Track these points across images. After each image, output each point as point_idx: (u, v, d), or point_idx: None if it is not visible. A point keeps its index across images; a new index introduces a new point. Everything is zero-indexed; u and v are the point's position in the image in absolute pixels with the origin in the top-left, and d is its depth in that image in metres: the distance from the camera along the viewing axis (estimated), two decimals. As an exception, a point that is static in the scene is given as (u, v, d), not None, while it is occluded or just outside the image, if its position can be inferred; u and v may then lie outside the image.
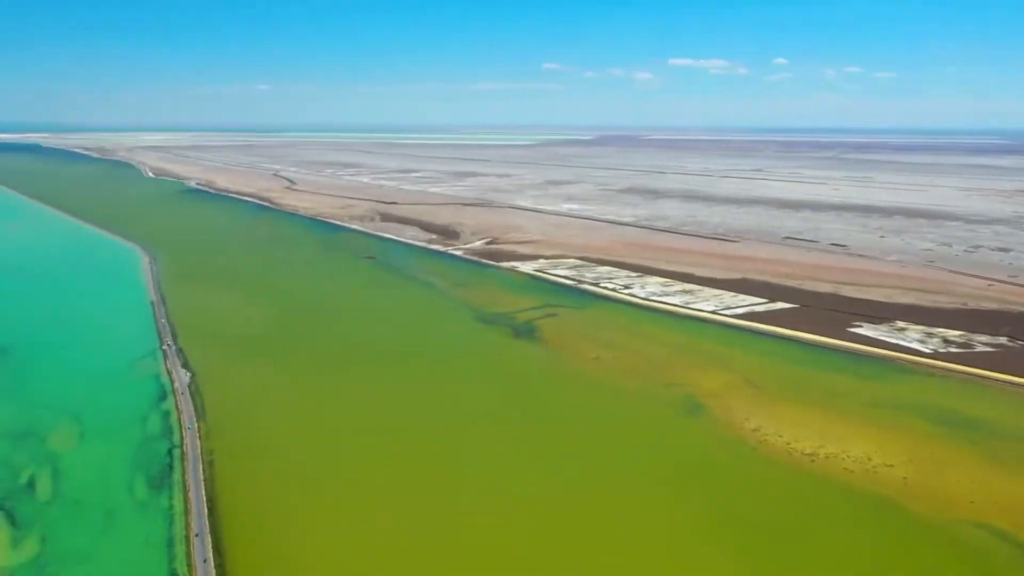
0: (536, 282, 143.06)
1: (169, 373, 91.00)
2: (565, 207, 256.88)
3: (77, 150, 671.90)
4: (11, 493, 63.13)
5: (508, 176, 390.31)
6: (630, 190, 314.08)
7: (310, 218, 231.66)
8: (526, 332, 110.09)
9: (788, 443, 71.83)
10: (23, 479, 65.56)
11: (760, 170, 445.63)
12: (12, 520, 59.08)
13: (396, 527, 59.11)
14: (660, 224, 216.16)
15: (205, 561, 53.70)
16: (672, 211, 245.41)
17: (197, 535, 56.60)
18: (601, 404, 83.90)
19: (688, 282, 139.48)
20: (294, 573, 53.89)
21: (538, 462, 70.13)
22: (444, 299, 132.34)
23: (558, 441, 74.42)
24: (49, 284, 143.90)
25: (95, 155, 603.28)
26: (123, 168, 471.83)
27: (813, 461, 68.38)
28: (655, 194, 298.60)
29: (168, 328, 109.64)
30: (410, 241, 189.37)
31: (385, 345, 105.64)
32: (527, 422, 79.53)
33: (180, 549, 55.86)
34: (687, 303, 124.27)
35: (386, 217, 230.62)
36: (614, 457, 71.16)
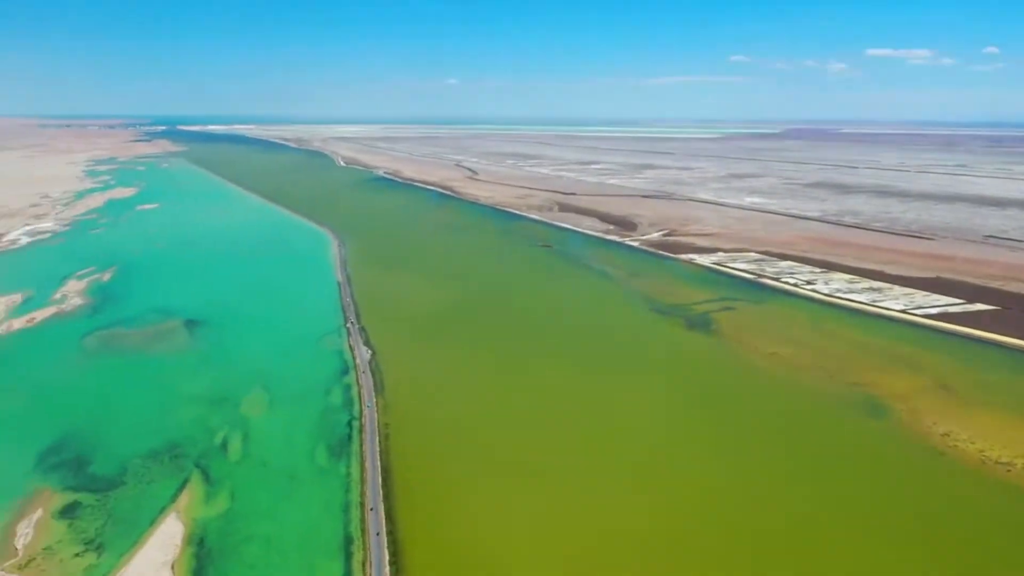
0: (714, 275, 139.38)
1: (351, 349, 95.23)
2: (748, 201, 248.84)
3: (277, 140, 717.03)
4: (206, 452, 67.94)
5: (689, 169, 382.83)
6: (817, 184, 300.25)
7: (490, 207, 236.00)
8: (701, 324, 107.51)
9: (981, 451, 66.26)
10: (217, 440, 70.36)
11: (963, 165, 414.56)
12: (206, 477, 63.54)
13: (561, 508, 59.14)
14: (848, 220, 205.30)
15: (378, 534, 55.51)
16: (862, 206, 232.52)
17: (372, 509, 58.46)
18: (776, 400, 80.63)
19: (876, 279, 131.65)
20: (461, 546, 54.82)
21: (707, 456, 68.20)
22: (618, 288, 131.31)
23: (729, 436, 72.09)
24: (247, 263, 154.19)
25: (293, 145, 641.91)
26: (318, 157, 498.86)
27: (1009, 471, 62.75)
28: (844, 189, 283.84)
29: (352, 307, 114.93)
30: (587, 231, 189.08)
31: (557, 330, 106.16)
32: (697, 414, 77.62)
33: (355, 515, 58.25)
34: (874, 301, 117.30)
35: (564, 207, 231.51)
36: (788, 456, 68.17)
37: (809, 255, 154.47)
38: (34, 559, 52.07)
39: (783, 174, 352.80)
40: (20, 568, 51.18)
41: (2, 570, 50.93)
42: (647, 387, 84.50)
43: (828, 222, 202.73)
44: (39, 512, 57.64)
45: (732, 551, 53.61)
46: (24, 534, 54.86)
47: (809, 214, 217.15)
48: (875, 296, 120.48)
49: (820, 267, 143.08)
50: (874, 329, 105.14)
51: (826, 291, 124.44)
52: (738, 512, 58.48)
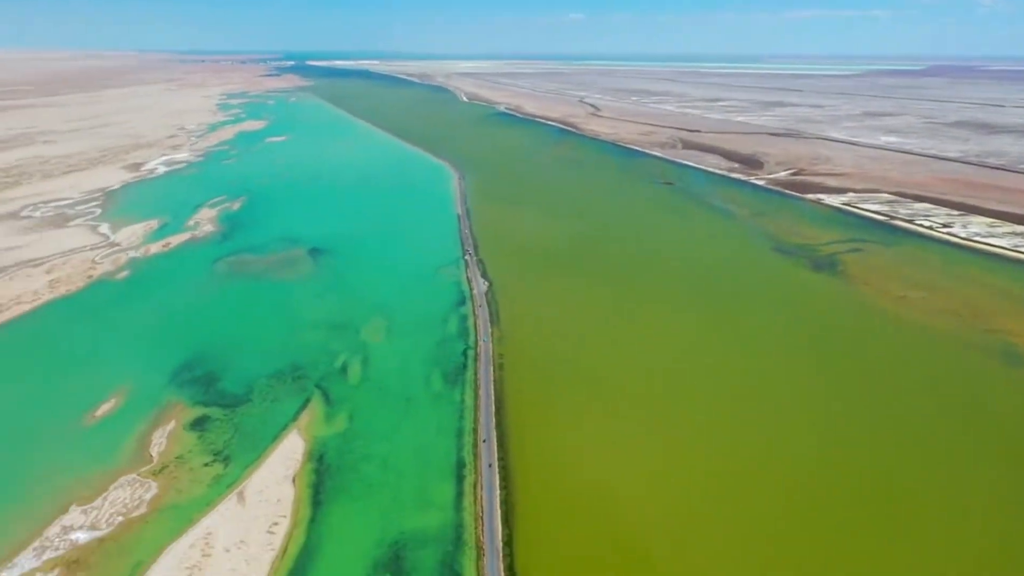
0: (842, 216, 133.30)
1: (469, 281, 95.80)
2: (883, 140, 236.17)
3: (401, 75, 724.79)
4: (327, 375, 69.84)
5: (821, 107, 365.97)
6: (959, 124, 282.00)
7: (611, 143, 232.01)
8: (827, 265, 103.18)
9: None
10: (338, 364, 72.18)
11: None
12: (327, 398, 65.40)
13: (671, 444, 58.33)
14: (992, 161, 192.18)
15: (491, 465, 55.91)
16: (1008, 147, 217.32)
17: (484, 441, 58.81)
18: (904, 345, 76.88)
19: (1021, 224, 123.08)
20: (569, 475, 54.78)
21: (828, 398, 65.73)
22: (741, 227, 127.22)
23: (851, 381, 69.23)
24: (370, 196, 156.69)
25: (416, 80, 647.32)
26: (440, 92, 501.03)
27: None
28: (989, 128, 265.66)
29: (471, 239, 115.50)
30: (710, 169, 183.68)
31: (675, 268, 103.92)
32: (818, 355, 74.81)
33: (468, 440, 58.97)
34: (1016, 246, 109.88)
35: (687, 144, 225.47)
36: (915, 402, 64.95)
37: (947, 197, 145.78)
38: (167, 467, 54.88)
39: (922, 112, 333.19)
40: (154, 474, 54.08)
41: (138, 475, 53.95)
42: (766, 327, 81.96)
43: (969, 163, 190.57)
44: (172, 424, 60.60)
45: (862, 500, 51.68)
46: (158, 443, 57.84)
47: (949, 154, 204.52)
48: (1018, 241, 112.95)
49: (958, 210, 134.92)
50: (1016, 275, 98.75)
51: (964, 235, 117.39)
52: (865, 456, 56.23)
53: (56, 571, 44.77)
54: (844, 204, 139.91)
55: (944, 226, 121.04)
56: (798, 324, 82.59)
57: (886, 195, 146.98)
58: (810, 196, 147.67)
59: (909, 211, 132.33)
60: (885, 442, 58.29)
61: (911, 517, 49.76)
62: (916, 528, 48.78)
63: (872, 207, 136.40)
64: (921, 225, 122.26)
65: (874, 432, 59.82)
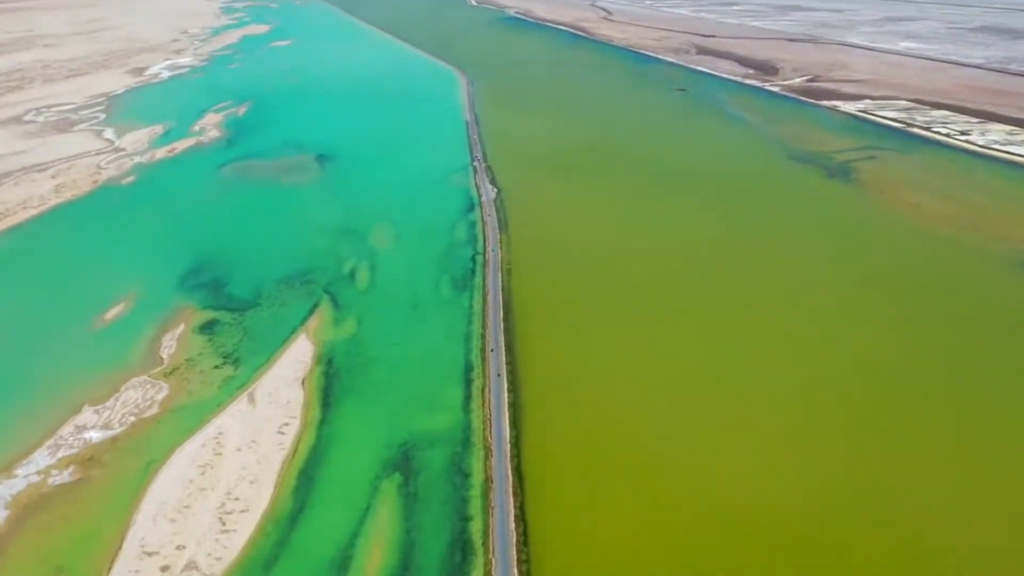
0: (858, 123, 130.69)
1: (477, 187, 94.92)
2: (903, 45, 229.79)
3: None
4: (335, 280, 69.83)
5: (840, 11, 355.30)
6: (983, 29, 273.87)
7: (623, 49, 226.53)
8: (841, 173, 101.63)
9: None
10: (345, 269, 72.11)
11: None
12: (335, 303, 65.50)
13: (681, 353, 58.40)
14: (1015, 67, 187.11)
15: (499, 375, 56.04)
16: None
17: (492, 351, 58.80)
18: (915, 252, 76.06)
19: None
20: (576, 379, 55.05)
21: (835, 307, 65.37)
22: (754, 134, 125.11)
23: (863, 287, 68.72)
24: (377, 101, 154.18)
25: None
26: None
27: None
28: (1014, 34, 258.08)
29: (479, 146, 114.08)
30: (724, 75, 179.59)
31: (687, 175, 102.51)
32: (828, 261, 74.19)
33: (476, 344, 59.14)
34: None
35: (702, 50, 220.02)
36: (927, 314, 64.56)
37: (967, 104, 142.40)
38: (177, 368, 55.31)
39: (945, 17, 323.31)
40: (165, 376, 54.54)
41: (149, 377, 54.40)
42: (778, 233, 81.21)
43: (991, 69, 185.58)
44: (181, 327, 60.89)
45: (868, 409, 51.83)
46: (168, 346, 58.21)
47: (971, 61, 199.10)
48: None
49: (977, 117, 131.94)
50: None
51: (982, 142, 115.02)
52: (869, 368, 56.20)
53: (71, 468, 45.50)
54: (860, 111, 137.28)
55: (962, 134, 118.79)
56: (810, 230, 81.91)
57: (904, 102, 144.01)
58: (826, 103, 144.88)
59: (927, 118, 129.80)
60: (889, 344, 58.16)
61: (906, 412, 49.92)
62: (916, 426, 48.98)
63: (889, 114, 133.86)
64: (939, 133, 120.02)
65: (880, 335, 59.65)
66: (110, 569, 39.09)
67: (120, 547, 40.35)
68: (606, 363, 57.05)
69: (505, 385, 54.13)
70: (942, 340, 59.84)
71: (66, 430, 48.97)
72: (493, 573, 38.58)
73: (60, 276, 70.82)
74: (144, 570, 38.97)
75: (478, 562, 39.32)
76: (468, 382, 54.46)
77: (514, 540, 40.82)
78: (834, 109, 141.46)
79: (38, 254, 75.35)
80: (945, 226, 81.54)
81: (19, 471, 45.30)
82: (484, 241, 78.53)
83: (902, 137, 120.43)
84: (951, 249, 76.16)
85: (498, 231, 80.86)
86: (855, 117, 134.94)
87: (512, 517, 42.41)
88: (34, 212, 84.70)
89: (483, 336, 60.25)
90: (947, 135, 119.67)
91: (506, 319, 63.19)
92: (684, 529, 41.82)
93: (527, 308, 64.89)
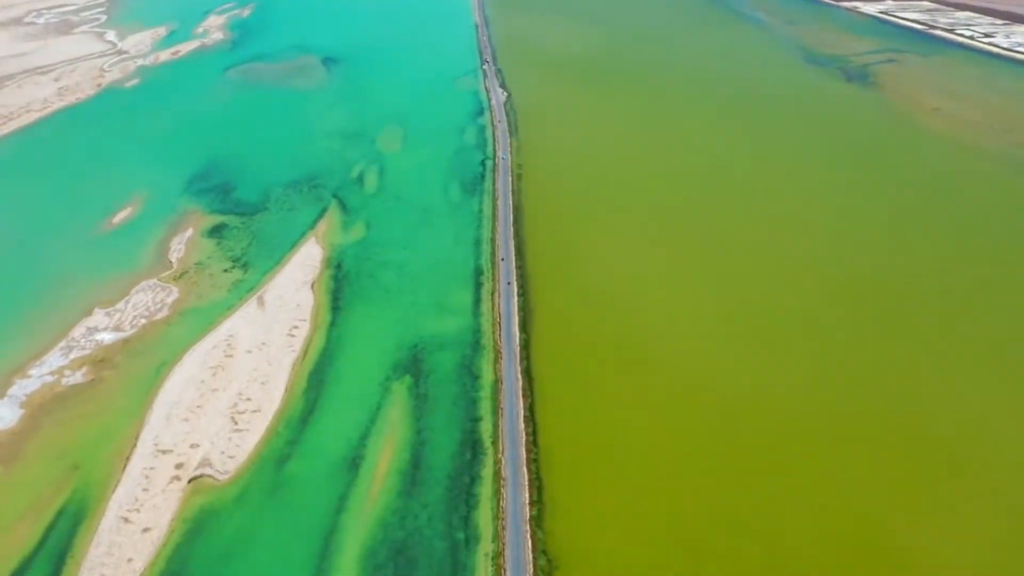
0: (879, 24, 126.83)
1: (487, 91, 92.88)
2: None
3: None
4: (344, 184, 68.99)
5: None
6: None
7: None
8: (859, 76, 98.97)
9: None
10: (354, 174, 71.13)
11: None
12: (343, 207, 64.87)
13: (684, 253, 57.95)
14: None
15: (509, 284, 55.51)
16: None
17: (503, 259, 58.07)
18: (932, 155, 74.58)
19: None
20: (584, 284, 54.75)
21: (850, 211, 64.45)
22: (771, 36, 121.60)
23: (879, 192, 67.62)
24: (385, 3, 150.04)
25: None
26: None
27: None
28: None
29: (489, 49, 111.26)
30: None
31: (701, 79, 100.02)
32: (846, 164, 72.83)
33: (485, 249, 58.69)
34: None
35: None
36: (937, 213, 63.62)
37: (992, 6, 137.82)
38: (187, 272, 55.18)
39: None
40: (175, 279, 54.44)
41: (158, 280, 54.32)
42: (794, 137, 79.70)
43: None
44: (190, 231, 60.51)
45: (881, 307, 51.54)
46: (177, 250, 57.97)
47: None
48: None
49: (1002, 19, 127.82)
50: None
51: (1006, 45, 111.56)
52: (881, 267, 55.69)
53: (84, 369, 45.83)
54: (881, 12, 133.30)
55: (986, 36, 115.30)
56: (826, 135, 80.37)
57: (926, 3, 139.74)
58: (846, 4, 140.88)
59: (950, 20, 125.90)
60: (908, 249, 57.51)
61: (904, 302, 49.63)
62: (909, 308, 48.73)
63: (911, 15, 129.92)
64: (961, 35, 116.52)
65: (902, 241, 58.96)
66: (125, 466, 39.67)
67: (135, 445, 40.87)
68: (615, 269, 56.61)
69: (516, 290, 53.89)
70: (959, 244, 59.11)
71: (78, 332, 49.16)
72: (503, 471, 39.01)
73: (66, 180, 70.13)
74: (159, 467, 39.54)
75: (488, 460, 39.73)
76: (478, 286, 54.21)
77: (523, 440, 41.15)
78: (854, 10, 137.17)
79: (43, 157, 74.51)
80: (967, 131, 79.61)
81: (33, 371, 45.66)
82: (494, 145, 77.18)
83: (924, 39, 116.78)
84: (972, 154, 74.54)
85: (508, 135, 79.43)
86: (876, 18, 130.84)
87: (521, 418, 42.68)
88: (38, 115, 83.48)
89: (493, 241, 59.70)
90: (970, 37, 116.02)
91: (516, 223, 62.51)
92: (686, 420, 42.30)
93: (537, 213, 64.09)
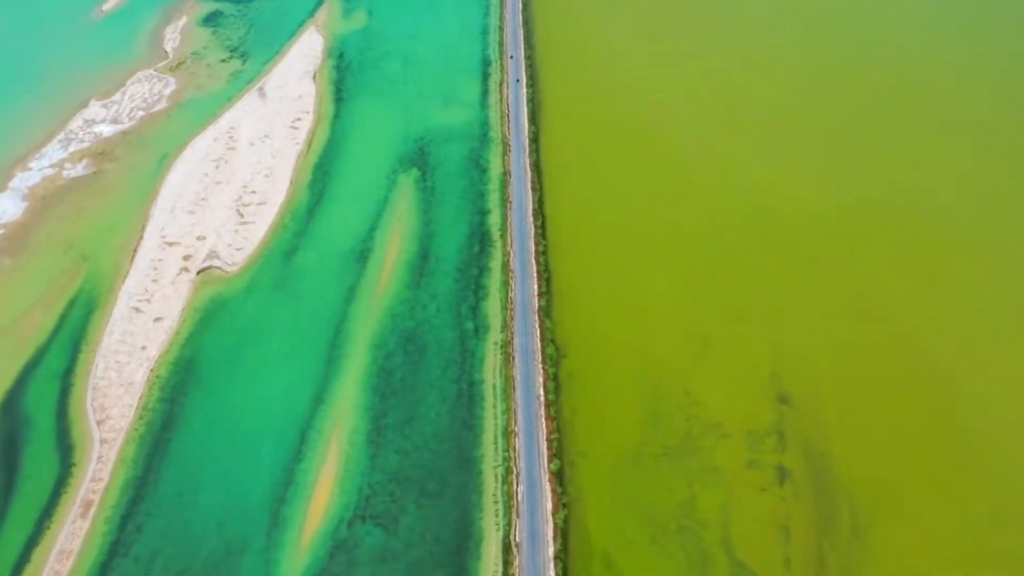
0: None
1: None
2: None
3: None
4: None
5: None
6: None
7: None
8: None
9: None
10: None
11: None
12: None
13: (699, 60, 55.46)
14: None
15: (518, 81, 53.42)
16: None
17: (512, 57, 55.57)
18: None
19: None
20: (597, 78, 52.77)
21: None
22: None
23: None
24: None
25: None
26: None
27: None
28: None
29: None
30: None
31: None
32: None
33: (493, 39, 56.15)
34: None
35: None
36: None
37: None
38: (183, 62, 53.23)
39: None
40: (171, 70, 52.56)
41: (155, 71, 52.42)
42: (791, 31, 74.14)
43: None
44: (184, 19, 57.98)
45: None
46: (172, 39, 55.67)
47: None
48: None
49: None
50: None
51: None
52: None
53: (84, 162, 45.01)
54: None
55: None
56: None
57: None
58: None
59: None
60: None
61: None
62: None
63: None
64: None
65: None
66: (133, 258, 39.70)
67: (141, 238, 40.76)
68: (624, 60, 54.47)
69: (525, 79, 51.87)
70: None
71: (75, 124, 47.99)
72: (511, 264, 38.89)
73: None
74: (167, 259, 39.55)
75: (496, 253, 39.56)
76: (485, 77, 52.30)
77: (532, 233, 40.77)
78: None
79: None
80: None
81: (33, 164, 44.89)
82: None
83: None
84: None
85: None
86: None
87: (530, 211, 42.12)
88: None
89: (501, 29, 56.98)
90: None
91: (524, 11, 59.40)
92: (695, 213, 41.93)
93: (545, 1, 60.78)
